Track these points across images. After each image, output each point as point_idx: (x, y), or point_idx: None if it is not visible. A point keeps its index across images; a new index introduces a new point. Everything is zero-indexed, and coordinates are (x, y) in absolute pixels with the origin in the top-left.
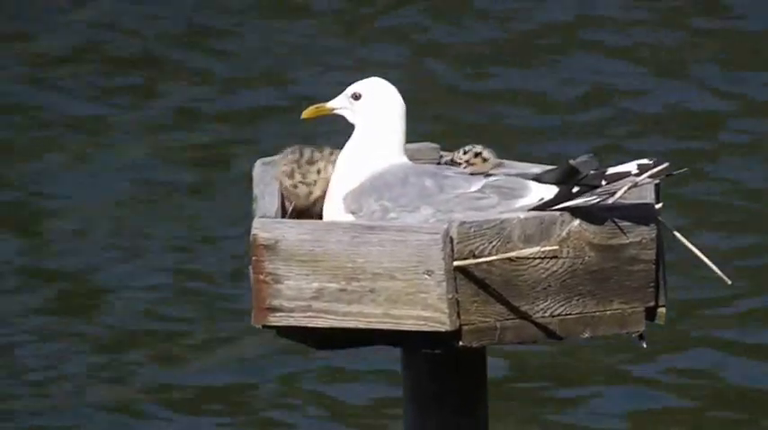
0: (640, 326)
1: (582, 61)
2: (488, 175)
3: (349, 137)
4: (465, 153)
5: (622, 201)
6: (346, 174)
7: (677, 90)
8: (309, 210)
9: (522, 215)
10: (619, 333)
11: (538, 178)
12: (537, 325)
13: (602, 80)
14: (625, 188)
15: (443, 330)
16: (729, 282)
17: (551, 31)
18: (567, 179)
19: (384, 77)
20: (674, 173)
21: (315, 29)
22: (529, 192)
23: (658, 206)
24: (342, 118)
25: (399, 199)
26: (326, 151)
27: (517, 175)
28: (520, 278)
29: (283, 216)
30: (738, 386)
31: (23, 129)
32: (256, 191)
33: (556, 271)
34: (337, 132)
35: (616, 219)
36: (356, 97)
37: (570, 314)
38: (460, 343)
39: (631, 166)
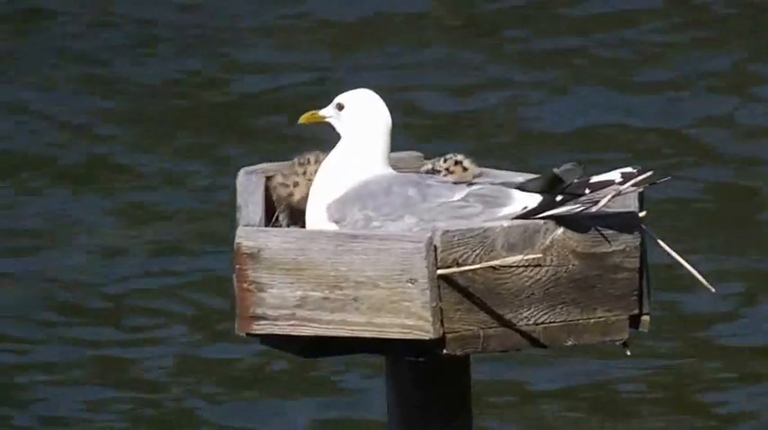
0: (624, 334)
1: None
2: (471, 184)
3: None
4: (445, 161)
5: (606, 209)
6: (329, 183)
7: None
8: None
9: (505, 223)
10: (602, 341)
11: (521, 187)
12: (521, 333)
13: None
14: (609, 197)
15: (427, 338)
16: (713, 290)
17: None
18: (551, 188)
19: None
20: (658, 181)
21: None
22: (512, 201)
23: (642, 214)
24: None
25: (383, 208)
26: (322, 157)
27: (501, 184)
28: (503, 286)
29: (268, 220)
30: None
31: None
32: (240, 200)
33: (539, 279)
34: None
35: (600, 228)
36: (340, 107)
37: (554, 322)
38: (444, 351)
39: (615, 175)
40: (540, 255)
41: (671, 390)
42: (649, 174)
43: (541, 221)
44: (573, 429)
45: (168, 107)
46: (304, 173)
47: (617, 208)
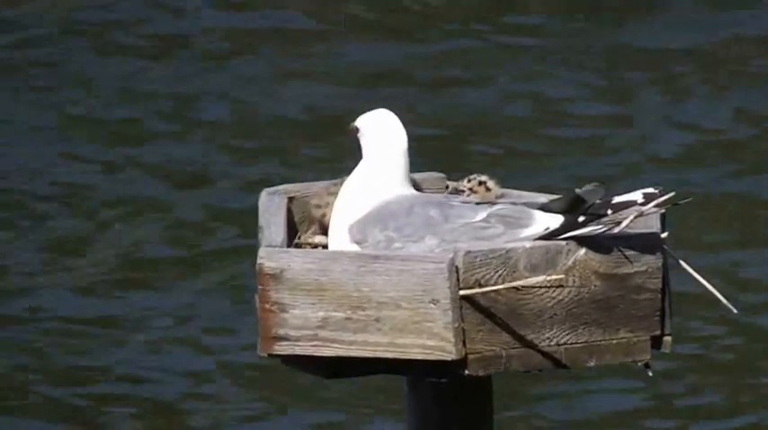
0: (646, 355)
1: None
2: (493, 205)
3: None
4: (468, 181)
5: (628, 230)
6: (351, 204)
7: None
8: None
9: (527, 244)
10: (624, 361)
11: (543, 207)
12: (543, 353)
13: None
14: (631, 217)
15: (449, 359)
16: (736, 311)
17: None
18: (573, 208)
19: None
20: (680, 202)
21: None
22: (534, 222)
23: (664, 235)
24: None
25: (404, 229)
26: None
27: (523, 205)
28: (526, 307)
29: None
30: None
31: None
32: (262, 221)
33: (562, 300)
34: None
35: (622, 248)
36: (356, 131)
37: (576, 343)
38: (466, 372)
39: (637, 195)
40: (562, 276)
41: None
42: (671, 194)
43: (563, 242)
44: None
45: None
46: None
47: (639, 229)
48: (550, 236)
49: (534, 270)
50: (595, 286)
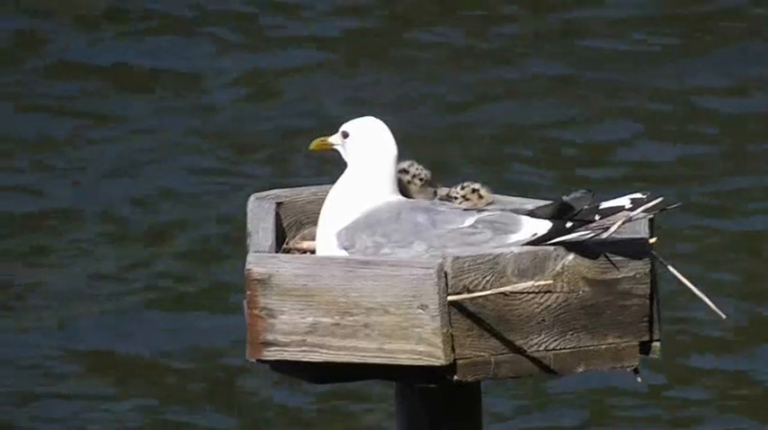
0: (635, 361)
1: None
2: (481, 211)
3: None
4: (462, 188)
5: (616, 235)
6: (338, 210)
7: None
8: None
9: (516, 250)
10: (613, 367)
11: (531, 213)
12: (531, 359)
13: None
14: (619, 223)
15: (438, 364)
16: (724, 316)
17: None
18: (561, 215)
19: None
20: (668, 207)
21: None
22: (521, 228)
23: (652, 240)
24: None
25: (392, 235)
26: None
27: (511, 211)
28: (514, 312)
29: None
30: None
31: None
32: (250, 226)
33: (550, 305)
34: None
35: (610, 254)
36: (345, 135)
37: (565, 348)
38: (455, 377)
39: (624, 201)
40: (550, 282)
41: None
42: (660, 200)
43: (552, 248)
44: None
45: None
46: None
47: (627, 234)
48: (538, 241)
49: (522, 275)
50: (584, 292)
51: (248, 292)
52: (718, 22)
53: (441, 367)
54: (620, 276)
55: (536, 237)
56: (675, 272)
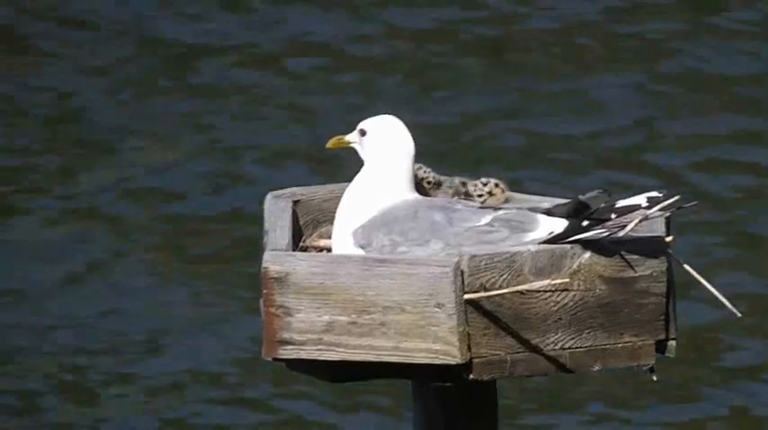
0: (651, 359)
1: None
2: (497, 209)
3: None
4: (485, 185)
5: (633, 234)
6: (355, 208)
7: None
8: None
9: (532, 248)
10: (629, 366)
11: (547, 212)
12: (548, 358)
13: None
14: (635, 221)
15: (454, 363)
16: (740, 315)
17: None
18: (577, 214)
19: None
20: (685, 206)
21: None
22: (538, 226)
23: (669, 239)
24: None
25: (409, 233)
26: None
27: (527, 209)
28: (530, 311)
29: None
30: None
31: None
32: (267, 224)
33: (566, 304)
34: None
35: (627, 252)
36: (362, 133)
37: (581, 347)
38: (471, 376)
39: (641, 199)
40: (567, 280)
41: None
42: (676, 198)
43: (568, 246)
44: None
45: None
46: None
47: (644, 232)
48: (555, 240)
49: (539, 274)
50: (600, 290)
51: (264, 291)
52: None
53: (457, 366)
54: (636, 275)
55: (552, 235)
56: (692, 270)
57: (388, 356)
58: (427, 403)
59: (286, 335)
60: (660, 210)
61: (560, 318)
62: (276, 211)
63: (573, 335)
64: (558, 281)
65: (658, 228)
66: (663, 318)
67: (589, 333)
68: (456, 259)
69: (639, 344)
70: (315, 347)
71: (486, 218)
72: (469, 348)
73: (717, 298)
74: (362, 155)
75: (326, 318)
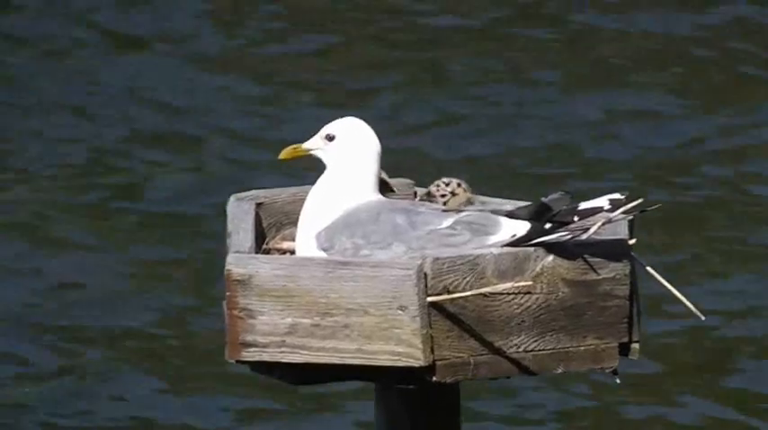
0: (614, 362)
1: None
2: (460, 212)
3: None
4: (447, 185)
5: (596, 236)
6: (318, 211)
7: None
8: None
9: (495, 251)
10: (592, 368)
11: (510, 214)
12: (511, 360)
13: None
14: (599, 224)
15: (417, 365)
16: (703, 318)
17: None
18: (539, 216)
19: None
20: (648, 209)
21: None
22: (500, 229)
23: (632, 241)
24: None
25: (371, 236)
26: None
27: (489, 211)
28: (494, 313)
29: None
30: None
31: None
32: (230, 226)
33: (530, 306)
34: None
35: (590, 255)
36: (330, 138)
37: (544, 349)
38: (434, 378)
39: (603, 201)
40: (530, 283)
41: None
42: (639, 201)
43: (532, 249)
44: None
45: None
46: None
47: (607, 235)
48: (517, 242)
49: (502, 276)
50: (563, 293)
51: (228, 293)
52: None
53: (420, 368)
54: (599, 277)
55: (515, 238)
56: (654, 273)
57: (352, 359)
58: (390, 405)
59: (249, 338)
60: (623, 212)
61: (523, 321)
62: (239, 214)
63: (536, 338)
64: (522, 283)
65: (621, 231)
66: (626, 320)
67: (552, 335)
68: (419, 262)
69: (603, 346)
70: (278, 349)
71: (449, 221)
72: (432, 351)
73: (680, 300)
74: (326, 160)
75: (289, 320)
